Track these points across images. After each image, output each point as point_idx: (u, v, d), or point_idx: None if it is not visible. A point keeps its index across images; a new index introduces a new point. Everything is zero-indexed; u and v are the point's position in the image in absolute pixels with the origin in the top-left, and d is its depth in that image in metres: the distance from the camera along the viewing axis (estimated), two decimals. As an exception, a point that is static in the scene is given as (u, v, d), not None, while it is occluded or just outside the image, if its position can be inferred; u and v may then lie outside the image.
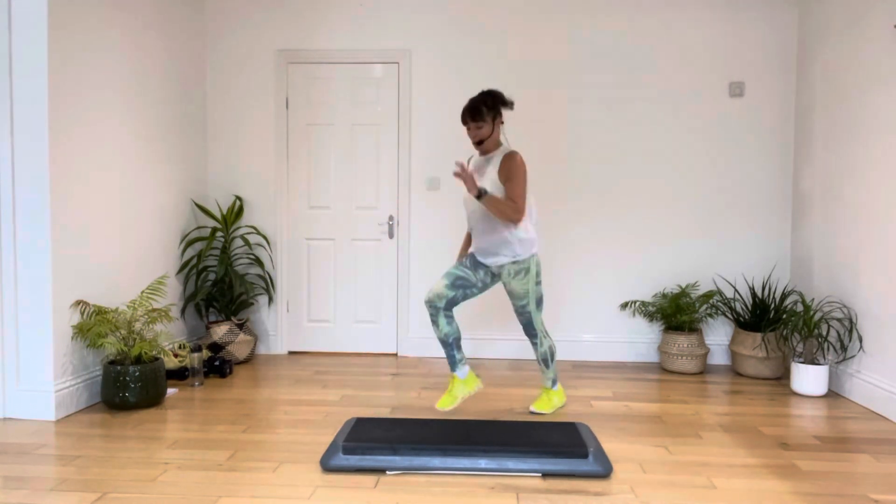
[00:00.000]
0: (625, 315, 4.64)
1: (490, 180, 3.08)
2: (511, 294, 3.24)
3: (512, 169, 3.03)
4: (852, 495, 2.41)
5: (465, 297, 3.23)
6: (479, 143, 3.12)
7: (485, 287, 3.25)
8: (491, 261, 3.17)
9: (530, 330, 3.28)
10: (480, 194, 2.94)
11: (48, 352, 3.21)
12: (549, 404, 3.39)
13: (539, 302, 3.25)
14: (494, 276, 3.25)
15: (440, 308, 3.16)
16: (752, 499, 2.37)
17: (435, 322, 3.18)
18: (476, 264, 3.23)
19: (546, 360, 3.31)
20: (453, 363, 3.21)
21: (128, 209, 3.83)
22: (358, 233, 4.76)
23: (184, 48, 4.44)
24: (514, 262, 3.14)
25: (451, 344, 3.19)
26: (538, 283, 3.22)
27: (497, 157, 3.11)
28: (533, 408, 3.38)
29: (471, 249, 3.29)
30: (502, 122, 3.17)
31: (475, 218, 3.17)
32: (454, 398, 3.19)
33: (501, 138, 3.27)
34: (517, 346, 4.67)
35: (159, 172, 4.16)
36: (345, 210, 4.76)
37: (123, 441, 2.93)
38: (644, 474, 2.59)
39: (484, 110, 3.05)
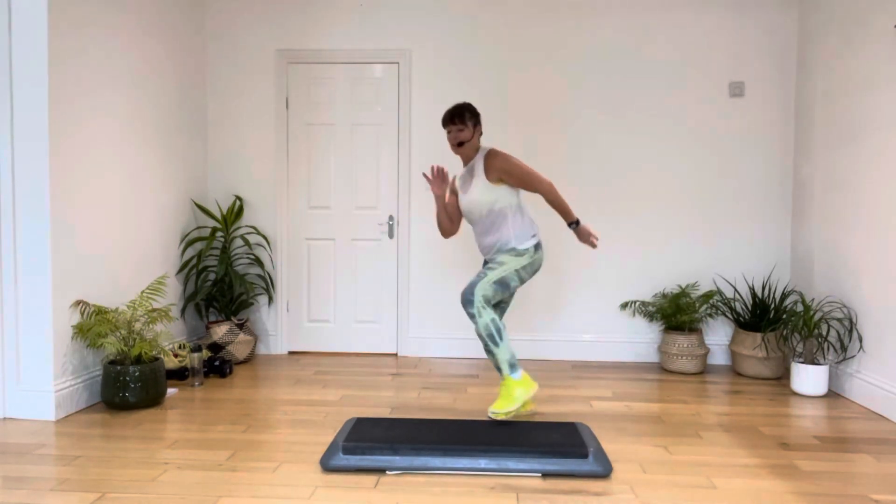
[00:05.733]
0: (625, 315, 4.64)
1: (481, 183, 3.13)
2: (493, 259, 3.16)
3: (506, 168, 3.08)
4: (852, 495, 2.41)
5: (501, 306, 3.36)
6: (459, 145, 3.17)
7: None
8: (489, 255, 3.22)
9: (469, 291, 3.02)
10: (577, 223, 3.15)
11: (48, 352, 3.21)
12: (507, 399, 3.00)
13: (500, 285, 3.05)
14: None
15: (462, 303, 3.24)
16: (752, 499, 2.37)
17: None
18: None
19: (490, 335, 3.00)
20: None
21: (128, 209, 3.83)
22: (358, 233, 4.76)
23: (184, 48, 4.44)
24: (520, 248, 3.13)
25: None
26: (519, 275, 3.09)
27: (479, 160, 3.17)
28: (490, 412, 3.03)
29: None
30: (481, 133, 3.27)
31: (474, 220, 3.24)
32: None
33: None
34: (519, 345, 4.67)
35: (159, 172, 4.16)
36: (345, 210, 4.76)
37: (123, 441, 2.93)
38: (644, 474, 2.59)
39: (466, 115, 3.16)
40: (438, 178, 3.20)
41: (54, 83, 3.20)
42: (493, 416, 3.01)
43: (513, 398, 3.00)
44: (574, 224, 3.14)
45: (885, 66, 3.46)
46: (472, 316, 3.03)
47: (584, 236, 3.15)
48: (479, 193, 3.12)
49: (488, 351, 3.07)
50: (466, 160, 3.25)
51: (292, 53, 4.69)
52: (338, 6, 4.67)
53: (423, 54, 4.64)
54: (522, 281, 3.13)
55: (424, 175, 3.23)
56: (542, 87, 4.60)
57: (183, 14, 4.42)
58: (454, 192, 3.35)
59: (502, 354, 3.01)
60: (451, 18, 4.62)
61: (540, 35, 4.59)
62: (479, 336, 3.08)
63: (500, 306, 3.34)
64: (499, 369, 3.06)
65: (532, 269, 3.14)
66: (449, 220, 3.33)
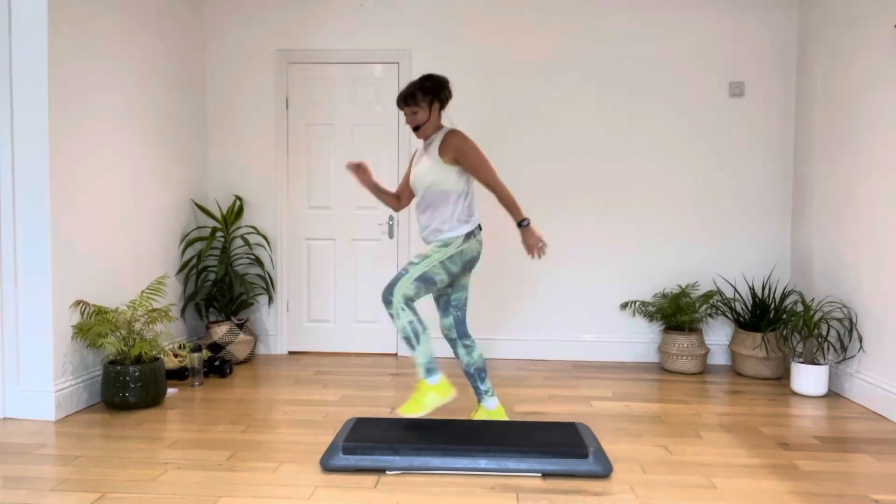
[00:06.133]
0: (625, 315, 4.64)
1: (432, 161, 2.93)
2: (427, 247, 2.99)
3: (463, 148, 2.89)
4: (852, 495, 2.41)
5: (453, 303, 3.09)
6: (415, 129, 3.00)
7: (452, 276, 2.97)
8: (437, 235, 2.97)
9: (388, 291, 2.85)
10: (525, 224, 2.92)
11: (48, 352, 3.21)
12: (416, 402, 2.84)
13: (423, 281, 2.85)
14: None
15: (455, 338, 3.11)
16: (752, 499, 2.37)
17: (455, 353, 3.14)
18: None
19: (408, 338, 2.86)
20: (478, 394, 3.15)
21: (128, 209, 3.83)
22: (358, 233, 4.76)
23: (184, 48, 4.44)
24: (446, 237, 2.93)
25: (473, 375, 3.12)
26: (445, 267, 2.88)
27: (438, 137, 2.97)
28: (398, 410, 2.88)
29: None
30: (442, 108, 3.01)
31: (417, 194, 3.05)
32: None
33: (445, 122, 3.07)
34: (519, 345, 4.67)
35: (159, 172, 4.16)
36: (345, 210, 4.76)
37: (123, 441, 2.93)
38: (644, 474, 2.59)
39: (419, 95, 2.93)
40: (356, 173, 3.04)
41: (54, 83, 3.20)
42: (399, 413, 2.90)
43: (422, 403, 2.84)
44: (523, 223, 2.91)
45: (885, 66, 3.46)
46: (391, 316, 2.87)
47: (532, 240, 2.89)
48: (428, 171, 2.94)
49: (407, 342, 2.90)
50: (427, 138, 3.04)
51: (292, 53, 4.69)
52: (338, 6, 4.67)
53: (423, 54, 4.64)
54: (452, 274, 2.90)
55: (347, 167, 3.06)
56: (542, 87, 4.59)
57: (183, 14, 4.42)
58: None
59: (419, 357, 2.86)
60: (451, 18, 4.62)
61: (540, 35, 4.58)
62: (467, 371, 3.10)
63: (453, 304, 3.08)
64: (428, 368, 2.89)
65: (462, 259, 2.92)
66: (393, 198, 3.20)
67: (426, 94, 2.94)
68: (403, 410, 2.84)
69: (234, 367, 4.40)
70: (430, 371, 2.87)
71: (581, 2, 4.56)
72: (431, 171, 2.93)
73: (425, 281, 2.87)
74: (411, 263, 2.90)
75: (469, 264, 2.97)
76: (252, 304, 4.69)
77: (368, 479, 2.52)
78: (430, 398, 2.85)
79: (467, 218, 2.96)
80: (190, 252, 4.57)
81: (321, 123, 4.73)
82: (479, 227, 3.03)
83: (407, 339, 2.86)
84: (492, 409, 3.13)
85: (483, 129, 4.63)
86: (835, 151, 3.97)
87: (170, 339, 4.27)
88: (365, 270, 4.77)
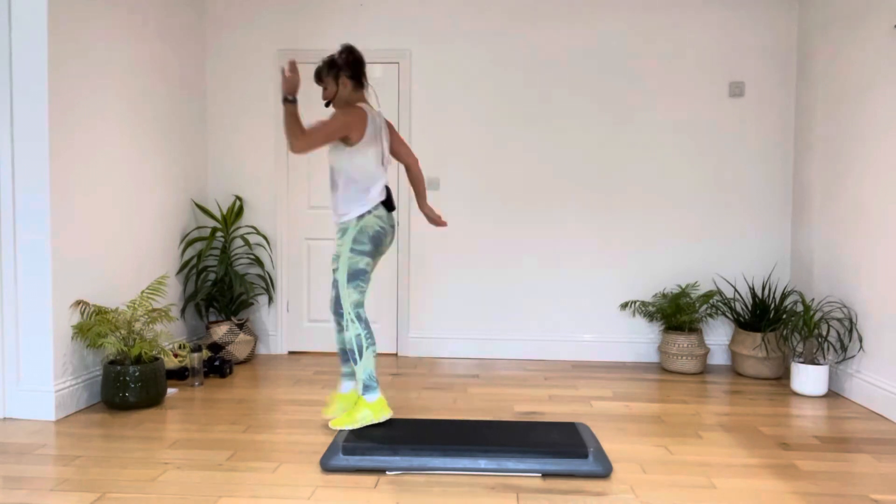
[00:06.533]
0: (625, 315, 4.64)
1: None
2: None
3: (337, 113, 2.81)
4: (852, 495, 2.41)
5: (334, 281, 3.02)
6: (326, 105, 3.01)
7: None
8: (335, 218, 2.97)
9: (338, 306, 2.94)
10: (286, 99, 2.67)
11: (48, 352, 3.21)
12: (350, 416, 2.87)
13: (354, 276, 2.86)
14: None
15: (332, 313, 3.11)
16: (752, 499, 2.37)
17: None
18: None
19: (352, 350, 2.87)
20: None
21: (128, 209, 3.83)
22: (358, 233, 4.76)
23: (184, 48, 4.44)
24: (341, 221, 2.93)
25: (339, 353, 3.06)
26: (356, 251, 2.87)
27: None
28: (330, 423, 2.91)
29: None
30: (358, 85, 2.96)
31: (332, 173, 3.00)
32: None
33: (372, 101, 2.96)
34: (519, 345, 4.67)
35: (159, 172, 4.16)
36: (345, 210, 4.75)
37: (123, 441, 2.93)
38: (644, 474, 2.59)
39: (324, 72, 2.93)
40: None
41: (54, 83, 3.20)
42: (331, 426, 2.92)
43: (355, 419, 2.85)
44: (288, 99, 2.67)
45: (885, 66, 3.46)
46: (343, 327, 2.89)
47: (291, 84, 2.66)
48: (329, 151, 2.94)
49: (349, 355, 2.93)
50: None
51: (292, 53, 4.69)
52: (338, 6, 4.67)
53: (423, 54, 4.64)
54: (369, 253, 2.88)
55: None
56: (542, 87, 4.60)
57: (183, 14, 4.42)
58: None
59: (358, 373, 2.87)
60: (450, 18, 4.62)
61: (540, 35, 4.59)
62: (342, 348, 3.09)
63: (334, 282, 3.08)
64: (366, 385, 2.90)
65: (367, 236, 2.88)
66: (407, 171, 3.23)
67: (331, 69, 2.93)
68: (335, 423, 2.87)
69: (234, 367, 4.40)
70: (367, 388, 2.88)
71: (581, 2, 4.56)
72: (331, 151, 2.93)
73: (355, 276, 2.87)
74: (334, 271, 2.94)
75: (377, 239, 2.91)
76: (252, 304, 4.69)
77: (368, 479, 2.53)
78: (362, 414, 2.87)
79: (362, 199, 2.89)
80: (190, 252, 4.57)
81: (321, 123, 4.73)
82: (385, 206, 2.94)
83: (350, 352, 2.88)
84: (344, 394, 3.15)
85: (483, 129, 4.63)
86: (835, 151, 3.97)
87: (170, 339, 4.27)
88: (365, 270, 4.76)
